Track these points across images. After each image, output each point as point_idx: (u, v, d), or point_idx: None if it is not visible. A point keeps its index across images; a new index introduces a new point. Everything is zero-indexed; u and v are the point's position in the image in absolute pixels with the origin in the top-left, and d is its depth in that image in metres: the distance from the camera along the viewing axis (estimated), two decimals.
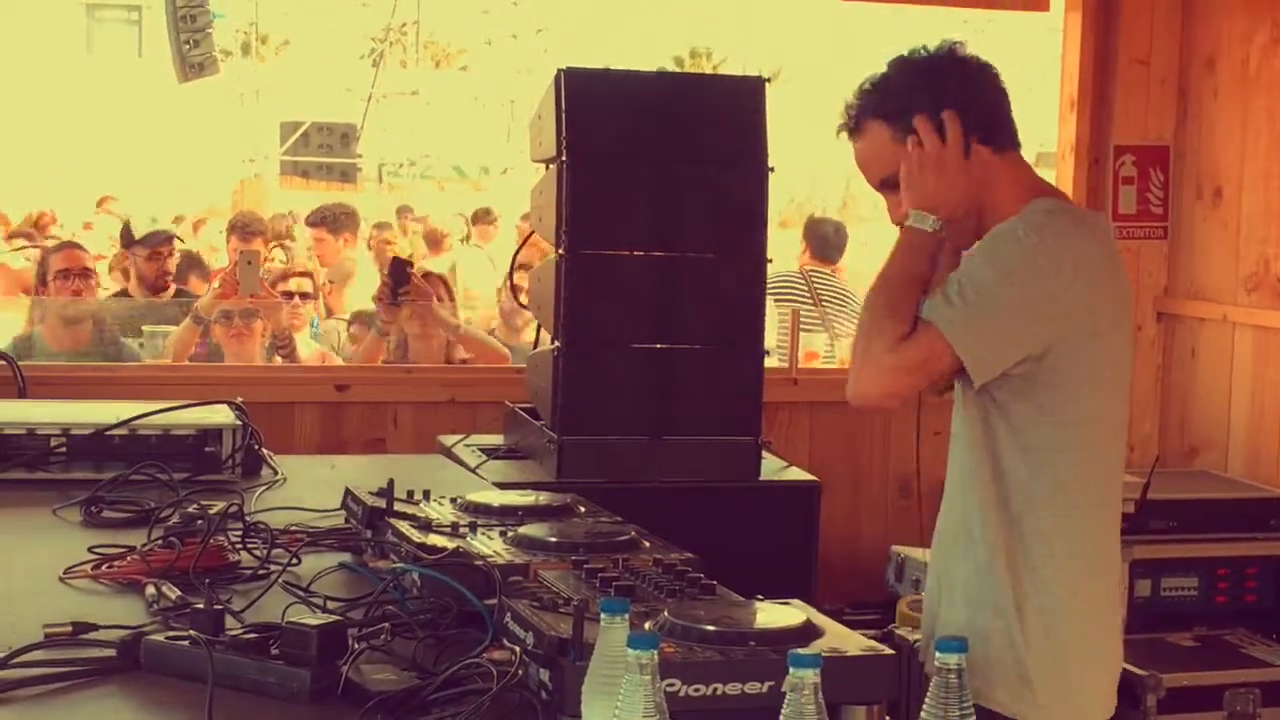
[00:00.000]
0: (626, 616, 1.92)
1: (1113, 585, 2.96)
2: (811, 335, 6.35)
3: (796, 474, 4.29)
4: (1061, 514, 2.80)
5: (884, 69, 2.93)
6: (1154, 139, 5.69)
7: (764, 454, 4.18)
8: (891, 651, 2.23)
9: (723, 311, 4.09)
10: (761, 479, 4.15)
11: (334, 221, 7.64)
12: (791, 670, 1.75)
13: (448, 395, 5.18)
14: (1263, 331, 5.32)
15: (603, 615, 1.92)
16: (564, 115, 3.95)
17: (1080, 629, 2.85)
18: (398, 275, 5.42)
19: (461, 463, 4.11)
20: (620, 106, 4.03)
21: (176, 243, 6.50)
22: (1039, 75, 6.46)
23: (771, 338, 5.45)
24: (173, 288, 6.20)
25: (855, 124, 2.92)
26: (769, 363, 4.49)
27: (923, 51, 2.91)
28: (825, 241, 7.14)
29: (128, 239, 6.43)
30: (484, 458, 4.16)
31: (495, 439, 4.43)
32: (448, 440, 4.39)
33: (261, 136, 24.68)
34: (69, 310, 5.68)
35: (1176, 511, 4.95)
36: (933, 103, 2.85)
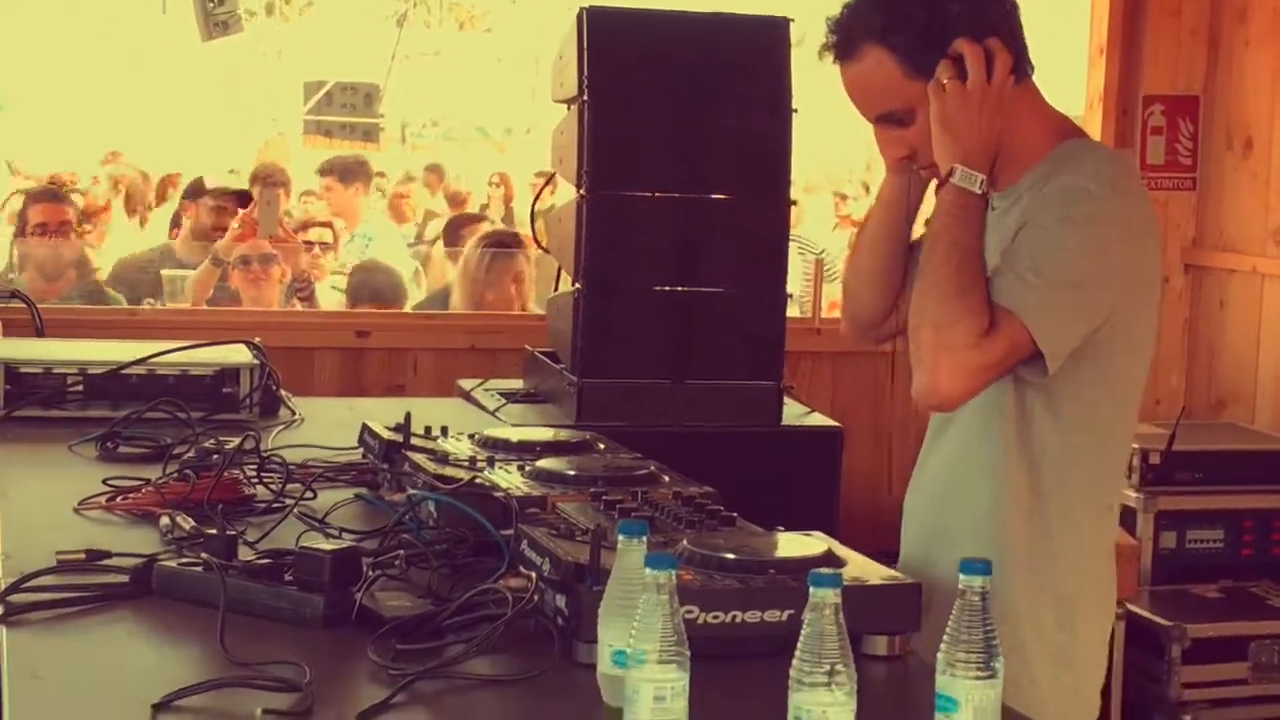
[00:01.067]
0: (644, 539, 1.89)
1: (1114, 582, 2.70)
2: (835, 285, 6.30)
3: (819, 419, 4.25)
4: (1090, 500, 2.57)
5: None
6: (1184, 89, 5.62)
7: (786, 400, 4.14)
8: (915, 581, 2.20)
9: (745, 254, 4.04)
10: (784, 424, 4.11)
11: (344, 170, 7.62)
12: (812, 590, 1.72)
13: (468, 342, 5.15)
14: None
15: (620, 537, 1.89)
16: (586, 54, 3.91)
17: (1092, 624, 2.62)
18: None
19: (480, 406, 4.08)
20: (643, 45, 3.99)
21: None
22: (1064, 27, 6.39)
23: (795, 287, 5.40)
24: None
25: (849, 45, 2.51)
26: (792, 312, 4.45)
27: None
28: None
29: (196, 190, 6.39)
30: (503, 401, 4.13)
31: (515, 383, 4.40)
32: (467, 384, 4.36)
33: (285, 96, 24.65)
34: (60, 258, 5.65)
35: (1202, 463, 4.92)
36: (976, 26, 2.45)
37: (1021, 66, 2.51)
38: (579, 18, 3.94)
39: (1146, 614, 4.58)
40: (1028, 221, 2.46)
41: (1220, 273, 5.60)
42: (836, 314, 6.34)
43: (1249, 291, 5.46)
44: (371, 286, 6.09)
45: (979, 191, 2.43)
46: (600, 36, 3.93)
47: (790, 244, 4.20)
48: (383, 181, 11.47)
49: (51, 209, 5.94)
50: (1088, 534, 2.58)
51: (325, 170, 7.84)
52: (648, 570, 1.75)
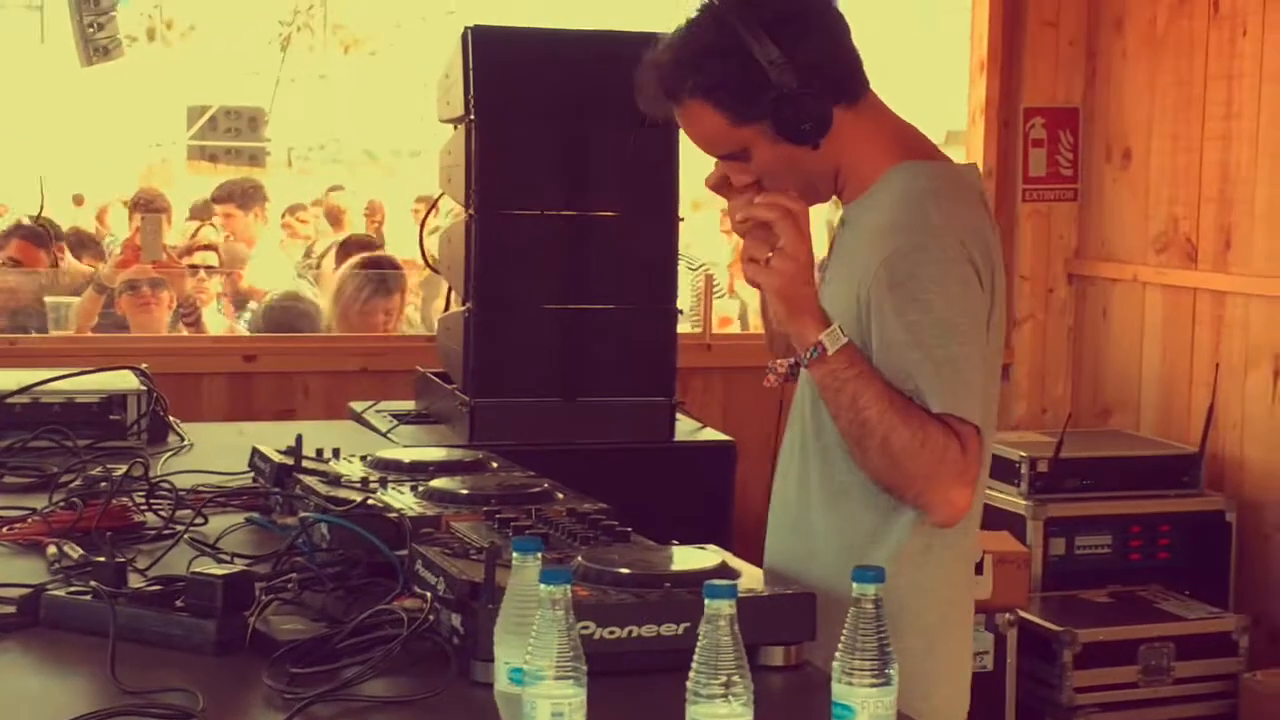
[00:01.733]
0: (539, 555, 1.88)
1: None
2: (724, 301, 6.34)
3: (711, 434, 4.26)
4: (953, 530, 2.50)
5: (693, 18, 2.40)
6: (1063, 101, 5.71)
7: (678, 415, 4.15)
8: (810, 590, 2.21)
9: (635, 271, 4.05)
10: (676, 440, 4.12)
11: (242, 196, 7.54)
12: (707, 601, 1.72)
13: (359, 365, 5.12)
14: (1173, 291, 5.35)
15: (514, 554, 1.89)
16: (472, 73, 3.90)
17: (959, 627, 2.60)
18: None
19: (372, 428, 4.06)
20: (529, 64, 3.98)
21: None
22: (946, 45, 6.48)
23: (685, 303, 5.42)
24: None
25: (674, 95, 2.43)
26: (682, 328, 4.46)
27: None
28: None
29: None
30: (395, 422, 4.10)
31: (407, 405, 4.37)
32: (358, 406, 4.33)
33: (168, 121, 24.41)
34: None
35: (1089, 470, 4.98)
36: (794, 70, 2.35)
37: (854, 87, 2.46)
38: (464, 37, 3.93)
39: (1037, 620, 4.63)
40: (883, 300, 2.37)
41: (1103, 282, 5.68)
42: (728, 330, 6.41)
43: (1131, 300, 5.54)
44: (289, 322, 6.07)
45: (845, 339, 2.35)
46: (486, 55, 3.92)
47: (679, 261, 4.21)
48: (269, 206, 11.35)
49: None
50: (954, 548, 2.53)
51: (222, 198, 7.73)
52: (542, 586, 1.75)
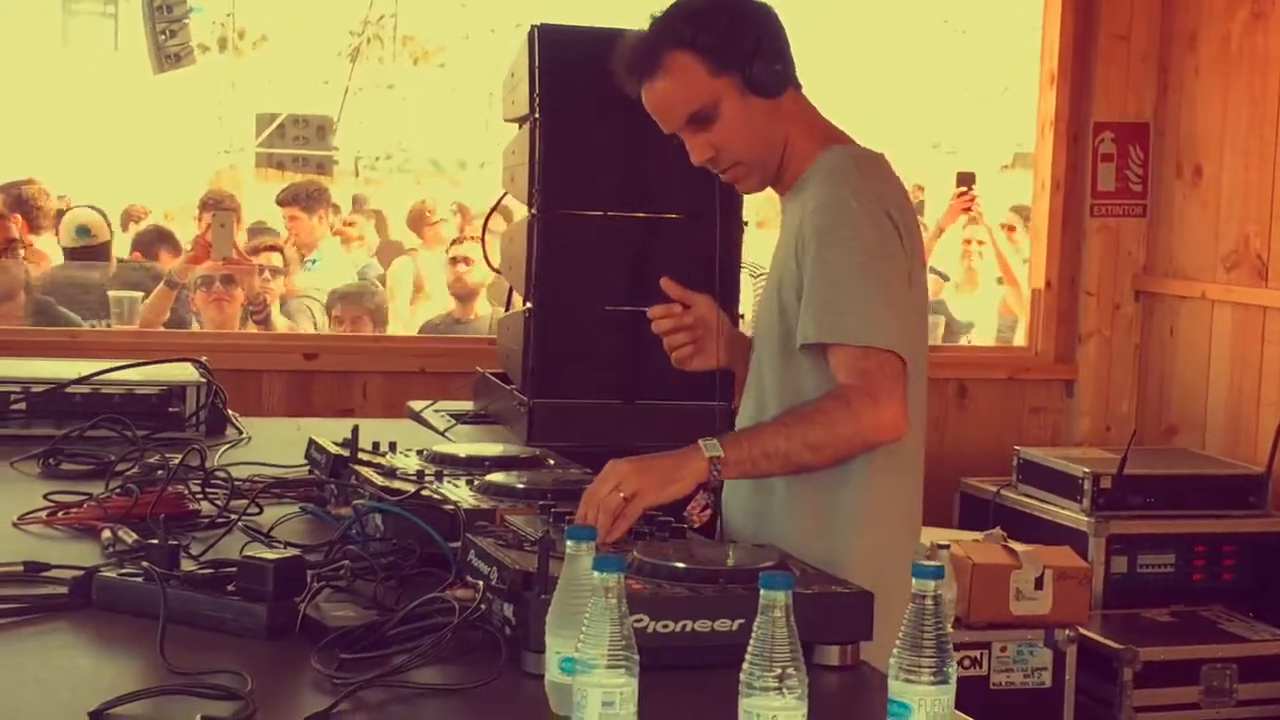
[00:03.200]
0: (593, 544, 1.86)
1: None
2: None
3: None
4: (899, 475, 2.74)
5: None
6: (1134, 116, 5.65)
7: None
8: (868, 590, 2.17)
9: (697, 275, 3.97)
10: None
11: (306, 199, 7.54)
12: (763, 592, 1.69)
13: (418, 365, 5.11)
14: (1242, 309, 5.28)
15: (568, 542, 1.86)
16: (537, 72, 3.88)
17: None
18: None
19: (430, 427, 4.04)
20: (595, 64, 3.93)
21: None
22: (1016, 76, 6.43)
23: (745, 310, 5.38)
24: None
25: (654, 59, 2.74)
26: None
27: None
28: None
29: None
30: (453, 422, 4.09)
31: (466, 405, 4.36)
32: (417, 405, 4.32)
33: (237, 129, 24.58)
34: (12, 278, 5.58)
35: (1153, 487, 4.92)
36: (765, 26, 2.72)
37: (796, 77, 2.75)
38: (530, 36, 3.92)
39: (1098, 637, 4.57)
40: (807, 250, 2.64)
41: (1170, 299, 5.62)
42: None
43: (1199, 318, 5.47)
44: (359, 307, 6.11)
45: (722, 449, 2.50)
46: (552, 54, 3.90)
47: (742, 269, 4.17)
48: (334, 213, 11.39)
49: None
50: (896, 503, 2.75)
51: (287, 200, 7.76)
52: (596, 574, 1.72)
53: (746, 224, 4.06)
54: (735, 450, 2.52)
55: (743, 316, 4.17)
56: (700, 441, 2.51)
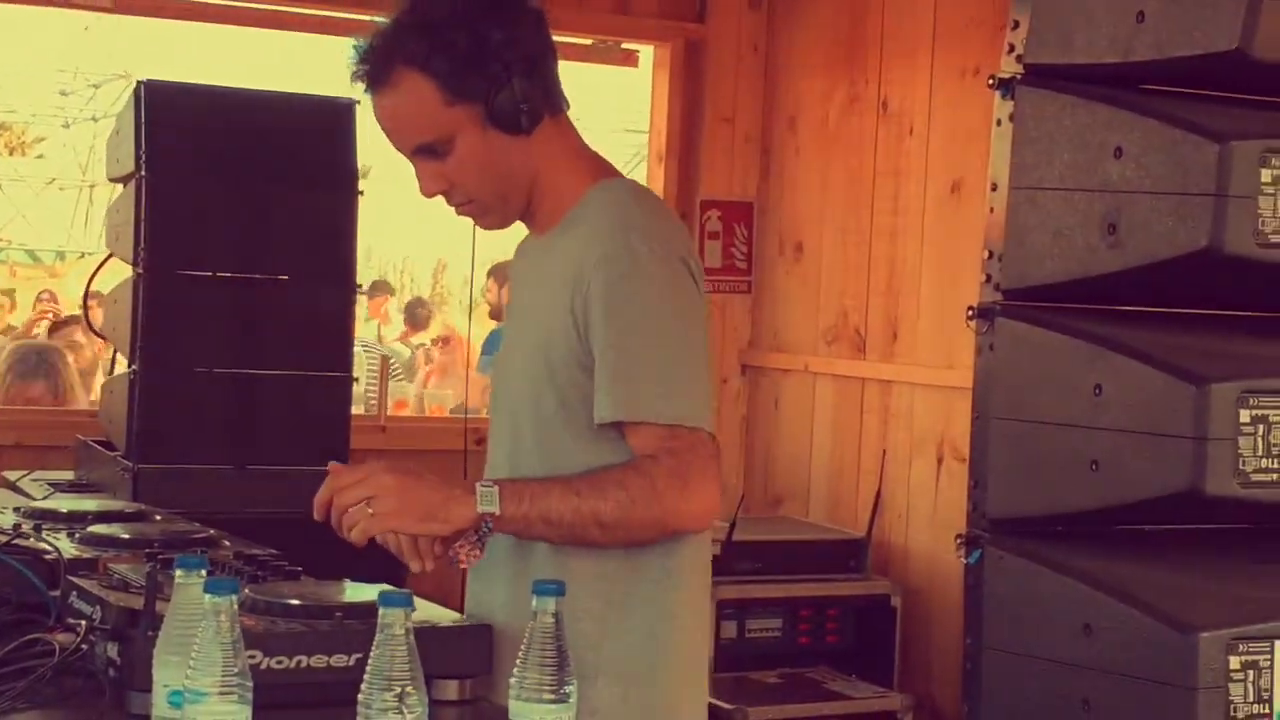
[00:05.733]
0: (203, 572, 1.80)
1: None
2: (400, 384, 6.27)
3: None
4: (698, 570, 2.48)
5: (415, 2, 2.38)
6: (738, 194, 5.81)
7: None
8: (485, 623, 2.16)
9: (310, 336, 3.97)
10: None
11: None
12: (382, 611, 1.67)
13: (13, 439, 4.89)
14: (842, 381, 5.46)
15: (178, 571, 1.80)
16: (144, 128, 3.79)
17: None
18: None
19: (27, 496, 3.86)
20: (204, 121, 3.89)
21: None
22: (630, 119, 6.56)
23: (360, 386, 5.33)
24: None
25: (384, 72, 2.36)
26: (357, 409, 4.38)
27: None
28: None
29: None
30: (51, 490, 3.91)
31: (67, 474, 4.18)
32: (11, 475, 4.12)
33: None
34: None
35: (760, 553, 5.01)
36: (513, 55, 2.34)
37: (555, 103, 2.43)
38: (136, 91, 3.84)
39: (711, 700, 4.62)
40: (591, 307, 2.33)
41: (775, 373, 5.78)
42: (403, 413, 6.34)
43: (802, 390, 5.64)
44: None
45: (495, 487, 2.26)
46: (158, 110, 3.82)
47: (355, 345, 4.14)
48: None
49: None
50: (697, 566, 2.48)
51: None
52: (207, 597, 1.67)
53: (360, 287, 4.04)
54: (513, 505, 2.24)
55: (356, 379, 4.13)
56: (478, 486, 2.25)
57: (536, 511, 2.25)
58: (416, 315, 10.57)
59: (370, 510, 2.21)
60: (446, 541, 2.27)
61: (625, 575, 2.38)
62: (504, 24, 2.35)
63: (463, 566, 2.28)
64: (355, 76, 2.38)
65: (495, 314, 8.90)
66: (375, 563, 3.94)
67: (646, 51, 5.85)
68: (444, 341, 9.26)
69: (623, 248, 2.32)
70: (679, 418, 2.29)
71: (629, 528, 2.28)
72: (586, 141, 2.52)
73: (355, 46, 2.39)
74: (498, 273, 8.69)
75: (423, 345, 9.84)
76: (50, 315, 9.60)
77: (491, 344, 8.28)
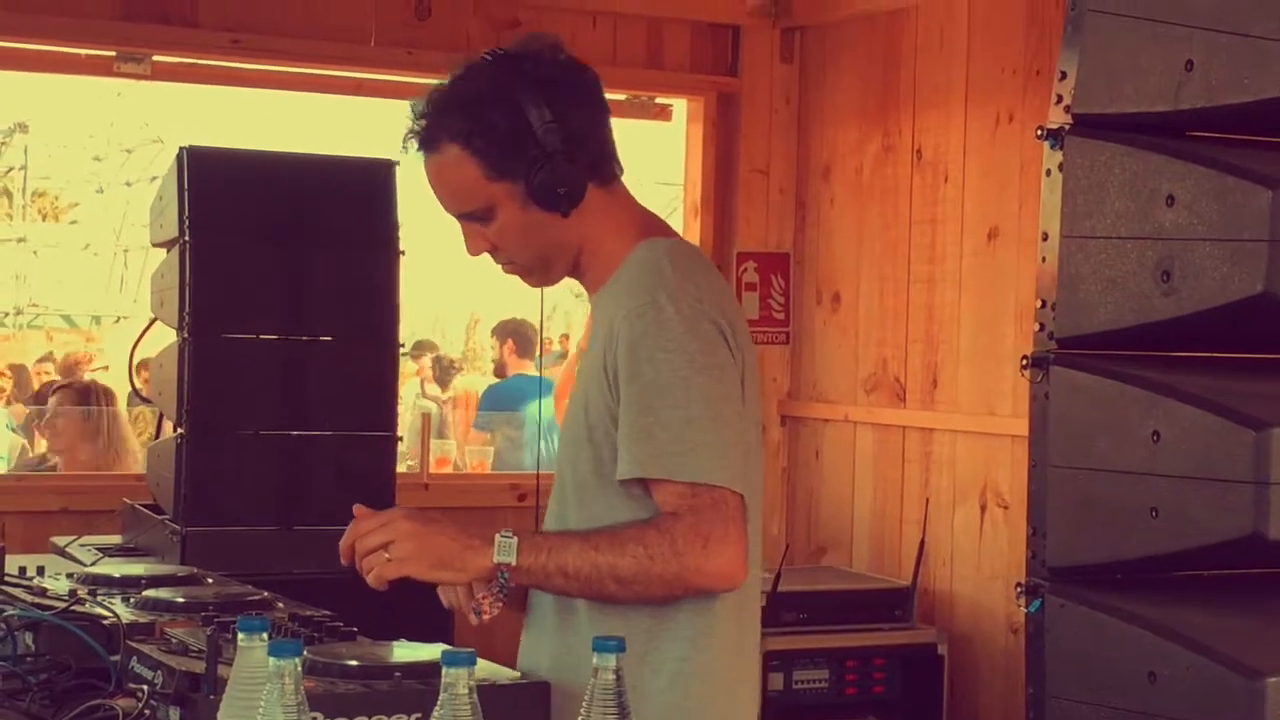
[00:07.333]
0: (266, 635, 1.80)
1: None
2: (443, 442, 6.28)
3: None
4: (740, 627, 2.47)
5: (470, 66, 2.42)
6: (774, 246, 5.83)
7: None
8: (545, 680, 2.16)
9: (354, 396, 3.98)
10: None
11: None
12: (445, 670, 1.67)
13: (60, 504, 4.91)
14: (882, 430, 5.46)
15: (240, 635, 1.80)
16: (186, 194, 3.82)
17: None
18: None
19: (77, 561, 3.87)
20: (245, 186, 3.92)
21: None
22: (663, 173, 6.58)
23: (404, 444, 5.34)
24: None
25: (432, 140, 2.41)
26: (400, 468, 4.39)
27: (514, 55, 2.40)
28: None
29: None
30: (100, 555, 3.93)
31: (114, 539, 4.20)
32: (61, 541, 4.14)
33: None
34: None
35: (805, 604, 5.00)
36: (560, 136, 2.36)
37: (610, 167, 2.47)
38: (179, 157, 3.86)
39: None
40: (619, 364, 2.35)
41: (815, 423, 5.77)
42: (444, 470, 6.34)
43: (843, 440, 5.64)
44: None
45: (513, 538, 2.30)
46: (201, 176, 3.85)
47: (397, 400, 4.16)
48: None
49: None
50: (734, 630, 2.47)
51: None
52: (272, 660, 1.67)
53: (403, 346, 4.06)
54: (531, 556, 2.28)
55: (401, 438, 4.14)
56: (497, 536, 2.28)
57: (554, 564, 2.29)
58: (447, 375, 10.73)
59: (387, 556, 2.27)
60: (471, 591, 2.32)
61: (654, 633, 2.38)
62: (550, 101, 2.37)
63: (486, 617, 2.32)
64: (408, 135, 2.42)
65: (499, 371, 8.97)
66: (424, 620, 3.96)
67: (680, 105, 5.87)
68: (451, 403, 9.42)
69: (648, 305, 2.34)
70: (699, 475, 2.30)
71: (646, 583, 2.29)
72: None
73: (412, 105, 2.43)
74: (501, 330, 8.77)
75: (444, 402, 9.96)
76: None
77: (489, 401, 8.34)
